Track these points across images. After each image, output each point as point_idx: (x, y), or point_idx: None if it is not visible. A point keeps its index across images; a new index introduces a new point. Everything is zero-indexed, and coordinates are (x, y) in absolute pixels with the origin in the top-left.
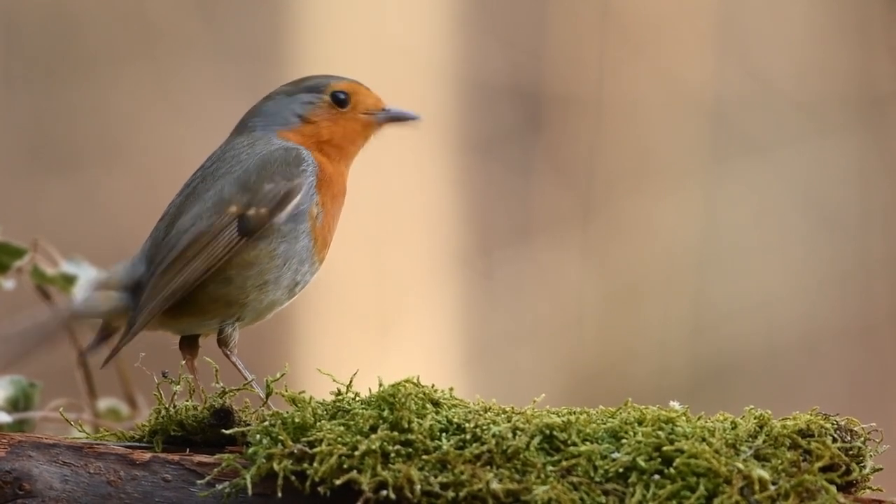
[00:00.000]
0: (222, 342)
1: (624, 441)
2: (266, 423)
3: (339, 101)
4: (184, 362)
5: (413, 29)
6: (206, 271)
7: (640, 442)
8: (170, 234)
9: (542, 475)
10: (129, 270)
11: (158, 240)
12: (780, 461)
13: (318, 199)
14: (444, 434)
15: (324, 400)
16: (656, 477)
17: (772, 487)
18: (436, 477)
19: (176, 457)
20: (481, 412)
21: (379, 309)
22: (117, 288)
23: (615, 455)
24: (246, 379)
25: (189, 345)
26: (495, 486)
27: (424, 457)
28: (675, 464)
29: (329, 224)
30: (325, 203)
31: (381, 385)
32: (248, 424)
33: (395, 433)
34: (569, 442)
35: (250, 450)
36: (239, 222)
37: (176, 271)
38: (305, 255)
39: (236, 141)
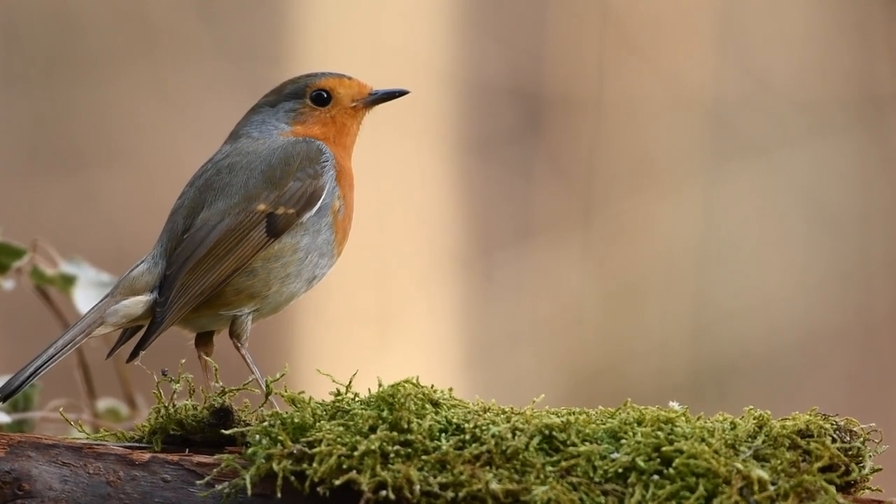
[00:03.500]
0: (234, 334)
1: (623, 441)
2: (265, 423)
3: (322, 100)
4: (198, 359)
5: (413, 30)
6: (236, 270)
7: (639, 442)
8: (193, 229)
9: (542, 475)
10: (152, 270)
11: (177, 234)
12: (779, 461)
13: (340, 192)
14: (443, 434)
15: (323, 400)
16: (655, 477)
17: (771, 488)
18: (435, 477)
19: (175, 457)
20: (481, 412)
21: (379, 309)
22: (143, 291)
23: (614, 455)
24: (253, 373)
25: (204, 342)
26: (494, 486)
27: (424, 457)
28: (674, 464)
29: (350, 216)
30: (345, 195)
31: (380, 385)
32: (248, 424)
33: (395, 433)
34: (568, 442)
35: (250, 450)
36: (268, 222)
37: (206, 269)
38: (326, 248)
39: (242, 140)
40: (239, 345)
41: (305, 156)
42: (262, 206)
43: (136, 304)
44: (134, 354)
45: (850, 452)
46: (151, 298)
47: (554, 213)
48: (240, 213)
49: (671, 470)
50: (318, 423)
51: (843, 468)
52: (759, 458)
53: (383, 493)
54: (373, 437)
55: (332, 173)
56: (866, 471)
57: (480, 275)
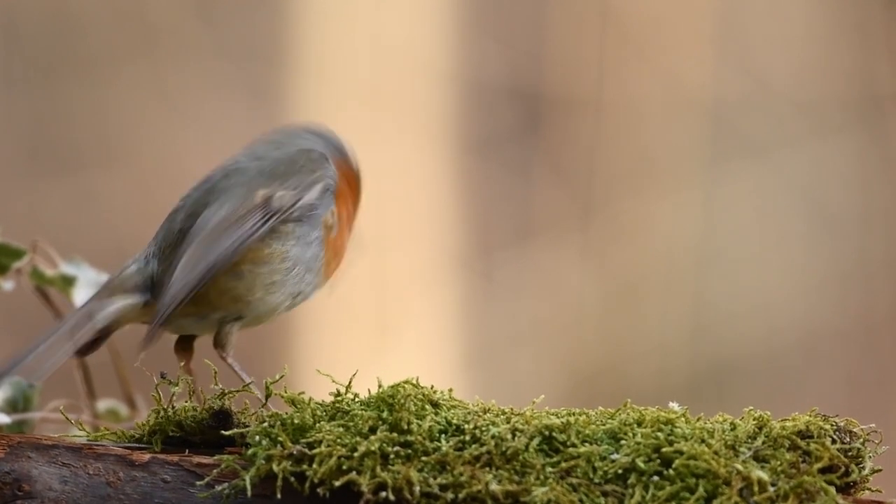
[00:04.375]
0: (219, 343)
1: (623, 442)
2: (265, 424)
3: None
4: (181, 364)
5: (413, 30)
6: (235, 251)
7: (639, 443)
8: (194, 225)
9: (542, 476)
10: (143, 269)
11: (173, 233)
12: (779, 462)
13: (335, 209)
14: (443, 435)
15: (323, 401)
16: (655, 478)
17: (771, 489)
18: (435, 478)
19: (175, 458)
20: (480, 413)
21: (378, 310)
22: (133, 290)
23: (614, 456)
24: (243, 381)
25: (184, 348)
26: (494, 487)
27: (424, 458)
28: (674, 465)
29: (342, 238)
30: (340, 214)
31: (380, 386)
32: (247, 426)
33: (395, 434)
34: (568, 443)
35: (249, 451)
36: (266, 205)
37: (196, 260)
38: (313, 264)
39: (261, 145)
40: (224, 354)
41: (308, 158)
42: (262, 192)
43: (126, 304)
44: (144, 346)
45: (849, 453)
46: (141, 297)
47: (554, 213)
48: (238, 199)
49: (671, 471)
50: (317, 424)
51: (842, 469)
52: (758, 459)
53: (383, 494)
54: (373, 437)
55: (332, 184)
56: (866, 472)
57: (480, 275)
